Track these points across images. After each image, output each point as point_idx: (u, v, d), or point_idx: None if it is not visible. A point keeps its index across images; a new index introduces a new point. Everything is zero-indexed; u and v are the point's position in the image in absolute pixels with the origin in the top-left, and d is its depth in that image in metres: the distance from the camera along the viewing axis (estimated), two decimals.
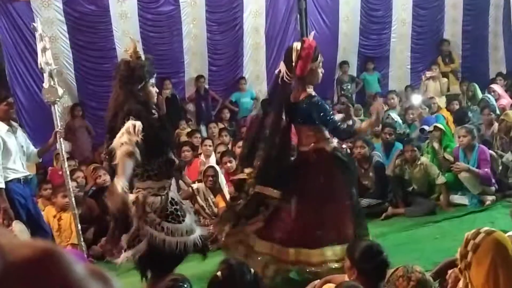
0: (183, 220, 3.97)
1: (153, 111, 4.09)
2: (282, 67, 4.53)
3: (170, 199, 3.97)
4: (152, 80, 4.07)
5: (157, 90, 4.25)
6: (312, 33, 5.08)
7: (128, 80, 3.91)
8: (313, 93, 4.53)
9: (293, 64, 4.42)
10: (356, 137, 6.17)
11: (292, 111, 4.54)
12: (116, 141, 3.64)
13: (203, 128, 9.19)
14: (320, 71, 4.59)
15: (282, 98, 4.56)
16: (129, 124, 3.65)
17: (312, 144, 4.54)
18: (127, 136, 3.62)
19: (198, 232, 4.06)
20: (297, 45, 4.50)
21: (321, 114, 4.49)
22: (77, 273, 0.44)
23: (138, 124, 3.66)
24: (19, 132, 5.29)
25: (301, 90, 4.50)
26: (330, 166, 4.59)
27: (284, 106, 4.54)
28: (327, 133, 4.59)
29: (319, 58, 4.55)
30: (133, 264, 5.35)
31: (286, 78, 4.47)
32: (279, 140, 4.60)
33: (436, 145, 7.03)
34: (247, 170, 4.70)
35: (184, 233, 3.94)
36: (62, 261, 0.44)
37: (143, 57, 4.03)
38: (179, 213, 3.97)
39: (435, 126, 7.34)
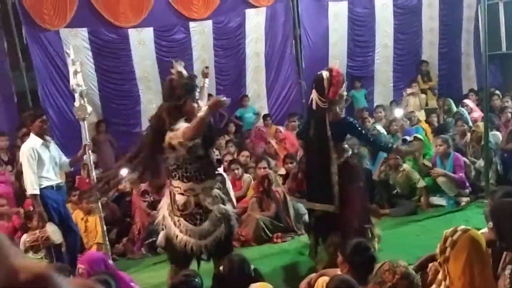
0: (200, 224, 3.86)
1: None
2: (314, 94, 4.61)
3: (196, 201, 3.86)
4: (196, 94, 3.96)
5: (199, 105, 4.04)
6: (337, 62, 5.15)
7: (170, 96, 3.91)
8: (344, 115, 4.70)
9: (326, 90, 4.50)
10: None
11: (332, 130, 4.58)
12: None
13: None
14: (345, 94, 4.73)
15: (320, 121, 4.60)
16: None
17: (345, 156, 4.65)
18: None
19: (210, 238, 3.90)
20: (326, 73, 4.58)
21: (358, 131, 4.72)
22: None
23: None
24: (52, 145, 5.31)
25: (335, 113, 4.59)
26: (359, 173, 4.73)
27: (324, 127, 4.57)
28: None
29: (345, 84, 4.68)
30: (153, 260, 5.37)
31: (320, 104, 4.54)
32: (326, 158, 4.60)
33: (416, 153, 7.03)
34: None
35: (196, 235, 3.84)
36: (52, 283, 0.45)
37: (185, 76, 3.89)
38: (197, 216, 3.86)
39: (415, 137, 7.34)
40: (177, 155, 3.76)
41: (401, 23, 11.05)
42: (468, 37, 11.58)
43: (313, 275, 3.58)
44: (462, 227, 2.90)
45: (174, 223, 3.88)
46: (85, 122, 5.04)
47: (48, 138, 5.30)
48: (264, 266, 4.91)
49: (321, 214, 4.69)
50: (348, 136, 4.83)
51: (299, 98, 10.24)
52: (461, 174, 6.50)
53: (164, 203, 4.05)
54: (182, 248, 3.82)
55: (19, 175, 5.97)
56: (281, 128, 9.04)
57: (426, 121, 9.28)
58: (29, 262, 0.48)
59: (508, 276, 2.26)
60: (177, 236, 3.84)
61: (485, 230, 3.25)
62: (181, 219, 3.85)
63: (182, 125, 3.70)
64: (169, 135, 3.69)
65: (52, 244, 4.93)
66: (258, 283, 3.14)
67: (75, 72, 4.78)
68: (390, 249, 4.86)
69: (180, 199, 3.85)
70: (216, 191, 4.03)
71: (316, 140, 4.64)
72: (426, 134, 8.19)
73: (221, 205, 4.02)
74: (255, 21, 9.90)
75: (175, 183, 3.87)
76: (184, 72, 3.92)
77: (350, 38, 10.71)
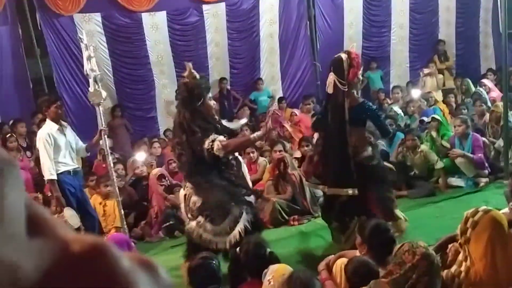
0: (221, 222, 3.94)
1: (214, 122, 4.14)
2: (332, 77, 4.52)
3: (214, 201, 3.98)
4: (210, 94, 4.10)
5: (215, 102, 4.30)
6: (354, 45, 5.09)
7: (188, 99, 3.95)
8: (363, 100, 4.66)
9: (345, 72, 4.45)
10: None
11: (350, 115, 4.51)
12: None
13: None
14: (361, 77, 4.70)
15: (338, 105, 4.53)
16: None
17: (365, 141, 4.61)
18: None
19: (231, 236, 3.97)
20: (344, 55, 4.52)
21: (375, 116, 4.67)
22: (124, 266, 0.42)
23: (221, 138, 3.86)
24: (68, 130, 5.34)
25: (354, 97, 4.54)
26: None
27: (343, 111, 4.52)
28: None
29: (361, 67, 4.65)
30: (170, 243, 5.42)
31: (341, 87, 4.47)
32: (345, 144, 4.54)
33: (434, 134, 6.94)
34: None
35: (220, 233, 3.92)
36: (109, 255, 0.42)
37: (198, 76, 4.05)
38: (215, 216, 3.94)
39: (432, 117, 7.24)
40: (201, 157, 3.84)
41: (417, 2, 10.85)
42: (486, 16, 11.33)
43: (332, 256, 3.56)
44: (483, 207, 2.86)
45: (197, 224, 3.97)
46: (100, 107, 5.04)
47: (64, 123, 5.33)
48: (281, 249, 4.91)
49: (346, 199, 4.65)
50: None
51: (314, 80, 10.16)
52: (480, 154, 6.41)
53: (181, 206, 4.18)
54: (207, 246, 3.90)
55: (37, 161, 6.02)
56: (296, 111, 8.98)
57: (444, 102, 9.15)
58: (78, 234, 0.45)
59: None
60: (201, 236, 3.94)
61: (505, 210, 3.20)
62: (202, 219, 3.94)
63: (212, 137, 3.87)
64: (214, 142, 3.82)
65: (71, 229, 4.97)
66: (277, 265, 3.14)
67: (89, 57, 4.77)
68: (409, 230, 4.82)
69: (195, 199, 3.93)
70: (232, 188, 4.08)
71: (334, 126, 4.56)
72: (443, 115, 8.07)
73: (242, 197, 4.11)
74: (269, 2, 9.80)
75: (190, 184, 3.96)
76: (196, 73, 4.05)
77: (366, 18, 10.56)
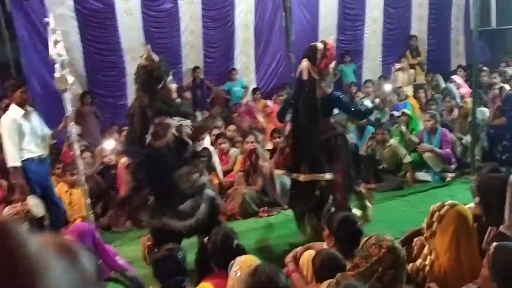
0: (177, 206, 3.90)
1: (175, 105, 4.03)
2: (306, 62, 4.51)
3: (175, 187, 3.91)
4: (170, 77, 3.99)
5: (176, 85, 4.16)
6: (332, 37, 5.06)
7: (148, 82, 3.83)
8: (331, 90, 4.63)
9: (318, 61, 4.46)
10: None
11: (321, 104, 4.52)
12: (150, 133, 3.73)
13: (198, 113, 9.08)
14: (332, 70, 4.69)
15: (311, 92, 4.52)
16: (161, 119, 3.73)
17: (333, 130, 4.62)
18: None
19: (191, 220, 3.92)
20: (320, 44, 4.54)
21: (345, 105, 4.73)
22: (30, 248, 0.38)
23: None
24: (34, 116, 5.17)
25: (323, 87, 4.53)
26: (345, 146, 4.68)
27: (314, 99, 4.51)
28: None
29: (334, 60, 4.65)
30: (137, 234, 5.34)
31: (313, 74, 4.47)
32: (318, 131, 4.56)
33: (403, 128, 7.01)
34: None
35: (175, 217, 3.87)
36: (13, 237, 0.38)
37: (156, 59, 3.94)
38: (174, 201, 3.90)
39: (402, 112, 7.31)
40: (157, 145, 3.74)
41: None
42: (458, 12, 11.48)
43: (299, 248, 3.55)
44: (449, 202, 2.88)
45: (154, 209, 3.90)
46: (66, 93, 4.88)
47: (29, 109, 5.15)
48: (250, 240, 4.90)
49: (309, 187, 4.65)
50: (335, 111, 4.77)
51: (288, 72, 10.11)
52: (447, 149, 6.50)
53: None
54: (162, 230, 3.84)
55: (1, 147, 5.83)
56: (268, 102, 8.95)
57: (414, 97, 9.24)
58: None
59: (491, 256, 2.24)
60: (159, 220, 3.88)
61: (471, 205, 3.23)
62: (157, 203, 3.90)
63: (178, 121, 3.77)
64: (172, 129, 3.73)
65: (34, 217, 4.84)
66: (244, 256, 3.10)
67: (55, 42, 4.60)
68: (376, 223, 4.85)
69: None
70: (195, 176, 3.99)
71: (305, 112, 4.56)
72: (413, 110, 8.15)
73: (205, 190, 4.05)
74: None
75: (154, 171, 3.90)
76: (155, 56, 3.94)
77: (341, 11, 10.57)
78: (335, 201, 4.57)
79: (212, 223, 3.96)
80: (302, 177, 4.65)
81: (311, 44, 4.66)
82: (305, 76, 4.50)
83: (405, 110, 7.38)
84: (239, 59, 10.02)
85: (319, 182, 4.61)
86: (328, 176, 4.55)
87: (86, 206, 5.04)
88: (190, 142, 3.84)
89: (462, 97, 8.40)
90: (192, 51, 9.59)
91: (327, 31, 9.96)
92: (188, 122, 3.83)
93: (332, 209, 4.52)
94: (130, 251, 4.93)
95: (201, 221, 3.92)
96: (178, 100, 4.21)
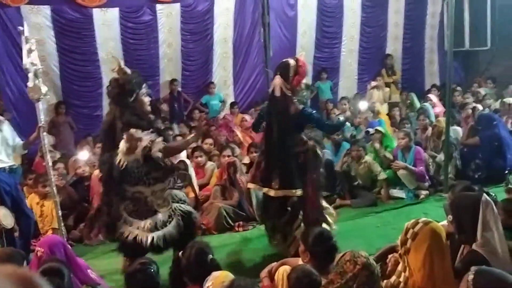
0: (145, 218, 3.90)
1: (147, 119, 4.01)
2: (278, 79, 4.53)
3: (144, 201, 3.92)
4: (144, 90, 3.96)
5: (150, 98, 4.13)
6: (303, 53, 5.11)
7: (120, 95, 3.80)
8: (303, 107, 4.65)
9: (290, 78, 4.49)
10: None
11: (292, 120, 4.55)
12: (121, 147, 3.70)
13: (175, 126, 9.03)
14: (304, 86, 4.78)
15: (283, 109, 4.54)
16: (131, 132, 3.67)
17: (304, 145, 4.60)
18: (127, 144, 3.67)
19: (156, 233, 3.91)
20: (292, 61, 4.57)
21: (317, 121, 4.73)
22: None
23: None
24: (5, 125, 5.05)
25: (295, 104, 4.57)
26: (316, 161, 4.66)
27: (287, 115, 4.53)
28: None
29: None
30: (110, 247, 5.24)
31: (285, 90, 4.49)
32: (289, 146, 4.57)
33: (377, 145, 7.08)
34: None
35: (141, 228, 3.87)
36: None
37: (129, 72, 3.92)
38: (144, 213, 3.90)
39: (376, 129, 7.39)
40: (127, 160, 3.69)
41: (368, 16, 11.11)
42: (432, 33, 11.75)
43: (274, 264, 3.52)
44: (424, 219, 2.89)
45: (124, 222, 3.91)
46: (39, 103, 4.80)
47: (1, 118, 5.05)
48: (225, 255, 4.85)
49: (280, 201, 4.65)
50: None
51: (266, 87, 10.15)
52: (421, 167, 6.58)
53: None
54: (130, 241, 3.84)
55: None
56: (246, 117, 8.95)
57: (388, 115, 9.37)
58: None
59: (471, 282, 2.25)
60: (129, 233, 3.88)
61: (444, 223, 3.25)
62: (126, 215, 3.90)
63: (151, 137, 3.74)
64: (143, 143, 3.67)
65: (4, 229, 4.70)
66: (218, 272, 3.06)
67: (29, 51, 4.53)
68: (351, 239, 4.86)
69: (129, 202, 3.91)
70: (168, 193, 3.99)
71: (277, 127, 4.57)
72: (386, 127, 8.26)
73: (175, 204, 4.05)
74: (224, 6, 9.74)
75: (124, 186, 3.88)
76: (127, 69, 3.94)
77: (319, 28, 10.71)
78: (306, 217, 4.56)
79: (188, 237, 3.93)
80: (273, 193, 4.65)
81: (283, 60, 4.69)
82: (277, 93, 4.53)
83: (379, 128, 7.47)
84: (217, 73, 10.03)
85: (290, 198, 4.62)
86: (299, 192, 4.55)
87: (58, 218, 4.93)
88: (160, 159, 3.82)
89: (437, 116, 8.54)
90: (170, 63, 9.57)
91: (305, 48, 10.07)
92: (160, 139, 3.79)
93: (302, 225, 4.54)
94: (102, 265, 4.83)
95: (171, 234, 3.90)
96: (151, 115, 4.19)
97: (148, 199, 3.89)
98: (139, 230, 3.85)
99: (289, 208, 4.68)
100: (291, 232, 4.66)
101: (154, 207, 3.90)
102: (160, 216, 3.92)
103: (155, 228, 3.87)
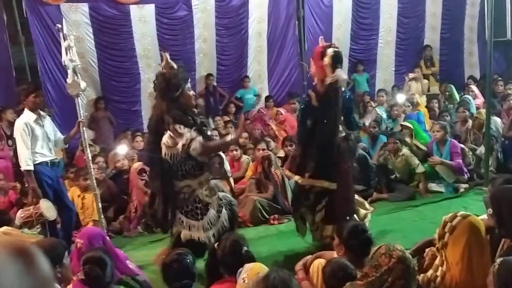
0: (201, 218, 3.92)
1: (192, 114, 4.05)
2: (343, 74, 4.61)
3: (194, 197, 3.93)
4: (188, 85, 4.02)
5: (194, 93, 4.20)
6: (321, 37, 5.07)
7: (166, 90, 3.86)
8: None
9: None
10: None
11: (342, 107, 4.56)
12: (164, 141, 3.78)
13: (210, 120, 9.12)
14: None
15: (335, 98, 4.52)
16: (175, 127, 3.73)
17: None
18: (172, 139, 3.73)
19: (213, 230, 3.96)
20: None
21: (351, 109, 4.78)
22: None
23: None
24: (47, 121, 5.22)
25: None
26: (350, 152, 4.65)
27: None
28: None
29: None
30: (149, 238, 5.33)
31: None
32: (332, 137, 4.56)
33: (408, 140, 6.95)
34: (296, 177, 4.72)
35: (201, 229, 3.90)
36: None
37: (175, 66, 3.97)
38: (198, 211, 3.92)
39: (401, 125, 7.27)
40: (171, 153, 3.75)
41: (405, 6, 10.87)
42: (471, 23, 11.38)
43: (309, 257, 3.51)
44: (462, 212, 2.83)
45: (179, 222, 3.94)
46: (79, 98, 4.93)
47: (42, 113, 5.20)
48: (260, 247, 4.88)
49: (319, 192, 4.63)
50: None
51: (300, 80, 10.11)
52: (458, 160, 6.42)
53: None
54: (189, 243, 3.85)
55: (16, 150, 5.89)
56: (281, 110, 8.94)
57: (427, 107, 9.17)
58: None
59: (495, 271, 2.21)
60: (185, 234, 3.92)
61: (484, 216, 3.17)
62: (183, 216, 3.90)
63: (192, 135, 3.77)
64: (182, 140, 3.73)
65: (47, 220, 4.87)
66: (252, 263, 3.08)
67: (68, 47, 4.66)
68: (387, 233, 4.80)
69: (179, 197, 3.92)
70: (213, 182, 4.05)
71: (328, 118, 4.51)
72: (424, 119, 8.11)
73: (221, 193, 4.10)
74: (258, 0, 9.73)
75: (173, 181, 3.92)
76: (173, 63, 3.98)
77: (354, 20, 10.56)
78: (336, 208, 4.51)
79: (231, 228, 4.01)
80: (301, 180, 4.63)
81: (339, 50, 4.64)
82: (343, 87, 4.54)
83: (405, 123, 7.33)
84: (252, 67, 10.04)
85: (322, 188, 4.59)
86: (326, 184, 4.52)
87: (98, 210, 5.07)
88: (197, 157, 3.84)
89: (478, 107, 8.32)
90: (205, 58, 9.64)
91: (341, 40, 9.95)
92: (199, 138, 3.82)
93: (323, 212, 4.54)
94: (141, 256, 4.94)
95: (224, 226, 3.99)
96: (195, 110, 4.26)
97: (196, 192, 3.92)
98: (199, 231, 3.89)
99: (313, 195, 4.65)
100: (313, 218, 4.67)
101: (204, 200, 3.93)
102: (212, 213, 3.96)
103: (211, 224, 3.93)
